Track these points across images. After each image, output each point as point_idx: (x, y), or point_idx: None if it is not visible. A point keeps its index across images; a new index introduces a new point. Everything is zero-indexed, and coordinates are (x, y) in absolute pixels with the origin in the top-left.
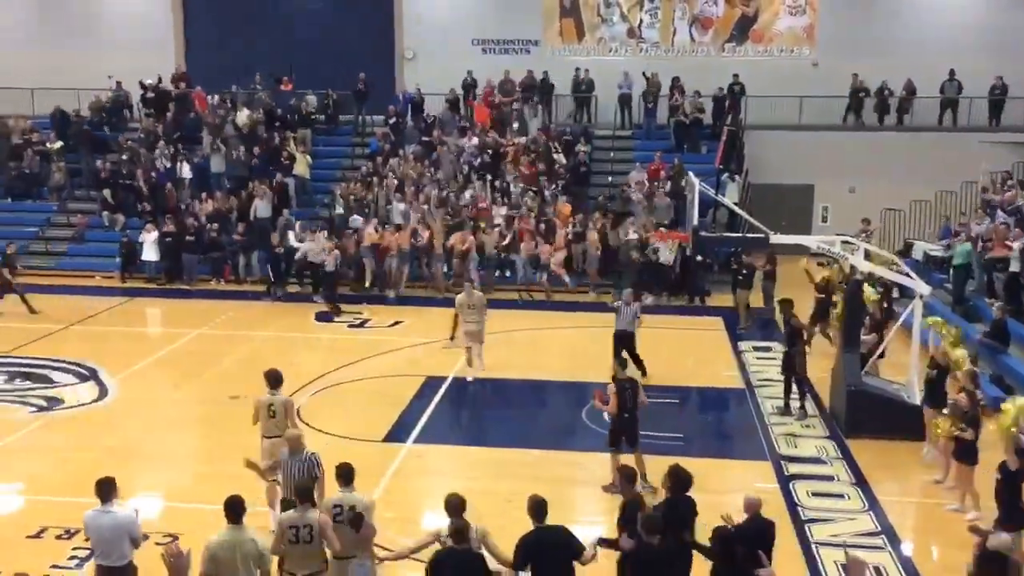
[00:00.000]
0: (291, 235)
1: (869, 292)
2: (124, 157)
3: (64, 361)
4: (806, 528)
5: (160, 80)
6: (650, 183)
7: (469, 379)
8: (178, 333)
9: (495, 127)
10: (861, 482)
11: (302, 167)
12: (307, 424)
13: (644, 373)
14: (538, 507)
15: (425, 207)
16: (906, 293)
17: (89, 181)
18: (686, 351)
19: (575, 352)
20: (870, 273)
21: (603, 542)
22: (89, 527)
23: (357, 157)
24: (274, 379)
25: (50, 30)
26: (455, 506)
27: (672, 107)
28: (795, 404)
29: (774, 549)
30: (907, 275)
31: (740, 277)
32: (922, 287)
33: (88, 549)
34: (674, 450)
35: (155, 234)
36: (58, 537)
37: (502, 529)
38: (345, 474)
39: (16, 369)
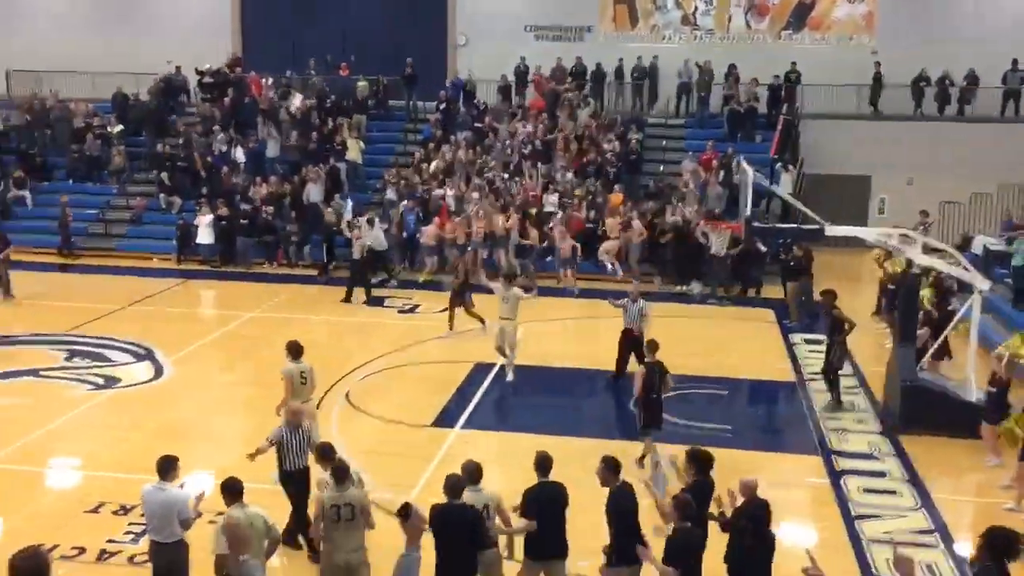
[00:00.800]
0: (344, 222)
1: (926, 293)
2: (181, 141)
3: (121, 341)
4: (856, 524)
5: (213, 68)
6: (704, 172)
7: (508, 378)
8: (231, 315)
9: (547, 114)
10: (914, 479)
11: (354, 152)
12: (356, 407)
13: (641, 362)
14: (543, 462)
15: (475, 195)
16: (965, 288)
17: (150, 163)
18: (736, 342)
19: None
20: (926, 269)
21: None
22: (146, 501)
23: (410, 143)
24: (296, 350)
25: (111, 15)
26: (471, 471)
27: (726, 96)
28: (846, 398)
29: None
30: (965, 269)
31: (790, 268)
32: (981, 282)
33: (143, 525)
34: (723, 442)
35: (210, 217)
36: (114, 512)
37: None
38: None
39: (76, 348)
